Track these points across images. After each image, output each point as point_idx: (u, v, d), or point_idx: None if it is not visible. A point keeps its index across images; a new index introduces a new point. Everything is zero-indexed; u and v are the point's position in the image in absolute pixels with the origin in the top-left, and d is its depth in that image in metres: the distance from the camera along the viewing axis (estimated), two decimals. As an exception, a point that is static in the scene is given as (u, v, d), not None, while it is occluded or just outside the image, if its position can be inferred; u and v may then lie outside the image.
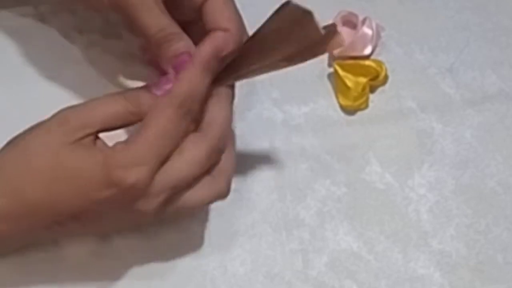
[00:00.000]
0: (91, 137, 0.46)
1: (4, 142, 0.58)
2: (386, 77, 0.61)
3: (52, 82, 0.61)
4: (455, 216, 0.57)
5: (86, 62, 0.62)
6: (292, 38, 0.45)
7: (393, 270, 0.55)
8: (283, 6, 0.45)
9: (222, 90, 0.49)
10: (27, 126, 0.59)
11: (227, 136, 0.49)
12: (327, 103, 0.60)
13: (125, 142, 0.46)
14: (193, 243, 0.54)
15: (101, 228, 0.50)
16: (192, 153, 0.47)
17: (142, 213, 0.47)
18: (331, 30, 0.45)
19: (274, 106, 0.60)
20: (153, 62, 0.54)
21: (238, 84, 0.61)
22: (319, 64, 0.62)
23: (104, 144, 0.47)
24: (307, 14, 0.44)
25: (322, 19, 0.62)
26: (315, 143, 0.59)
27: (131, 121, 0.47)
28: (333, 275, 0.54)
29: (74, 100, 0.60)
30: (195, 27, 0.53)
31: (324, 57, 0.62)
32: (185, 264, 0.54)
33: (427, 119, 0.60)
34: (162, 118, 0.46)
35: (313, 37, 0.45)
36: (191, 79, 0.47)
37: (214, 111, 0.48)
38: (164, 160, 0.46)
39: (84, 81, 0.61)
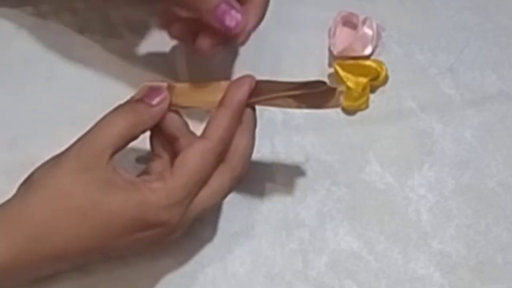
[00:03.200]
0: (111, 169, 0.46)
1: (5, 142, 0.58)
2: (386, 77, 0.61)
3: (52, 82, 0.61)
4: (455, 217, 0.57)
5: (86, 62, 0.62)
6: (311, 98, 0.49)
7: (393, 270, 0.55)
8: (317, 82, 0.49)
9: (245, 117, 0.49)
10: (27, 126, 0.59)
11: (248, 163, 0.50)
12: (327, 103, 0.60)
13: (162, 180, 0.46)
14: (193, 243, 0.54)
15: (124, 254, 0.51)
16: (217, 184, 0.48)
17: (168, 241, 0.48)
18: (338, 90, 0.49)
19: (274, 106, 0.60)
20: (168, 27, 0.55)
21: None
22: (319, 64, 0.62)
23: (130, 176, 0.47)
24: (334, 90, 0.49)
25: (323, 19, 0.63)
26: (315, 143, 0.59)
27: (135, 134, 0.48)
28: (333, 275, 0.54)
29: (74, 100, 0.60)
30: None
31: (324, 57, 0.62)
32: (186, 264, 0.54)
33: (427, 119, 0.60)
34: (201, 162, 0.47)
35: (331, 105, 0.49)
36: (229, 127, 0.48)
37: (238, 140, 0.49)
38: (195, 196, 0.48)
39: (84, 81, 0.61)
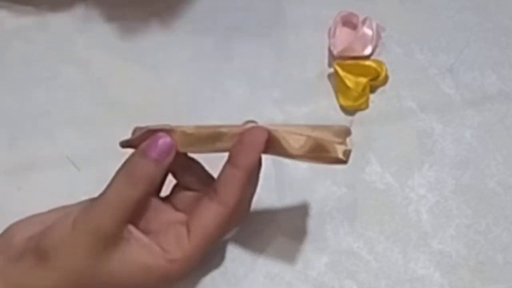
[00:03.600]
0: (127, 237, 0.45)
1: (5, 142, 0.58)
2: (386, 77, 0.61)
3: (52, 82, 0.61)
4: (455, 217, 0.57)
5: (86, 62, 0.62)
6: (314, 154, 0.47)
7: (393, 270, 0.55)
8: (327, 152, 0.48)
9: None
10: (27, 126, 0.59)
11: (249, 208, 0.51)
12: (327, 103, 0.60)
13: (180, 251, 0.46)
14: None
15: None
16: (224, 234, 0.50)
17: None
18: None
19: (275, 106, 0.60)
20: None
21: (239, 84, 0.62)
22: (319, 64, 0.62)
23: (145, 240, 0.46)
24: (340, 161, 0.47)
25: (323, 19, 0.63)
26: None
27: (148, 194, 0.47)
28: (333, 275, 0.54)
29: (74, 100, 0.60)
30: None
31: (324, 57, 0.62)
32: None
33: (427, 119, 0.60)
34: (217, 229, 0.47)
35: (332, 160, 0.47)
36: (243, 191, 0.47)
37: (246, 192, 0.49)
38: None
39: (84, 81, 0.61)
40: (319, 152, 0.47)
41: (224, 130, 0.48)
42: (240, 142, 0.47)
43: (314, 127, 0.48)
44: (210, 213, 0.47)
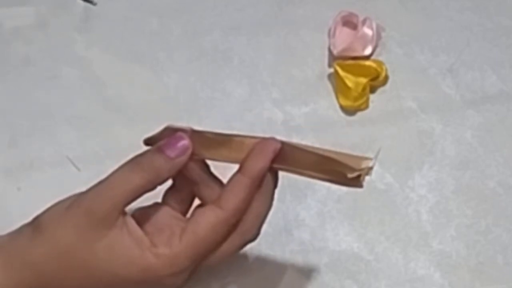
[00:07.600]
0: (120, 225, 0.45)
1: (5, 142, 0.58)
2: (386, 78, 0.61)
3: (52, 81, 0.61)
4: (455, 217, 0.57)
5: (86, 62, 0.62)
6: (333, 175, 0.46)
7: (394, 270, 0.55)
8: (344, 158, 0.46)
9: (265, 182, 0.47)
10: (27, 126, 0.59)
11: (262, 226, 0.48)
12: (327, 104, 0.60)
13: (169, 247, 0.45)
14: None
15: None
16: (226, 248, 0.47)
17: None
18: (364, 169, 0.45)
19: (275, 106, 0.60)
20: None
21: (239, 84, 0.62)
22: (319, 64, 0.62)
23: (139, 233, 0.45)
24: (358, 177, 0.45)
25: (323, 19, 0.63)
26: (315, 143, 0.58)
27: (150, 188, 0.46)
28: (333, 276, 0.54)
29: (73, 100, 0.60)
30: None
31: (324, 57, 0.62)
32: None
33: (427, 119, 0.60)
34: (211, 234, 0.45)
35: (352, 185, 0.45)
36: (245, 198, 0.46)
37: (254, 206, 0.46)
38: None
39: (84, 81, 0.61)
40: (332, 167, 0.46)
41: (241, 139, 0.47)
42: (251, 149, 0.47)
43: (331, 151, 0.47)
44: (206, 215, 0.46)
